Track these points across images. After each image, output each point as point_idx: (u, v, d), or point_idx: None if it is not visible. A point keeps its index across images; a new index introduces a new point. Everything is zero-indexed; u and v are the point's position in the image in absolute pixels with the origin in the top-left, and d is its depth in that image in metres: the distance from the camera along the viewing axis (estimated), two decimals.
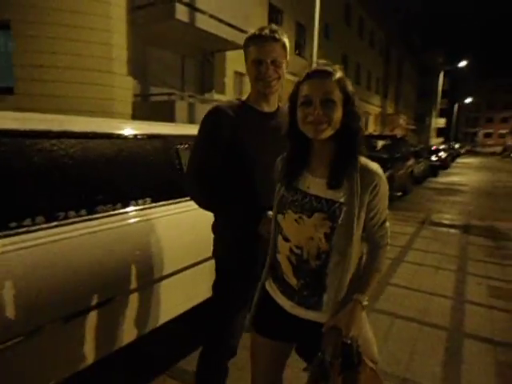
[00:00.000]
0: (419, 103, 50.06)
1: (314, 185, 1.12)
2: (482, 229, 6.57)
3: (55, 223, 1.57)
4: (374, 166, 1.13)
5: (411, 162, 10.85)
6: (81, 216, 1.67)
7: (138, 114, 8.95)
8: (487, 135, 73.42)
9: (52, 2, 7.89)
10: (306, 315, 1.16)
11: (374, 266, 1.16)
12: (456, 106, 45.80)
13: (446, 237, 5.92)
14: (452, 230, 6.38)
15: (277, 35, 1.41)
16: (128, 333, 1.85)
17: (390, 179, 8.39)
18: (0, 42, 8.22)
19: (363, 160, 1.13)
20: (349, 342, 1.06)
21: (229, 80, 12.27)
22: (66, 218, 1.62)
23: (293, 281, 1.16)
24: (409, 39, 39.49)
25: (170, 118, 8.18)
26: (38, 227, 1.50)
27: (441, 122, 53.61)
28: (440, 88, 32.40)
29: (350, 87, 1.08)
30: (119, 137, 2.00)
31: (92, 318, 1.64)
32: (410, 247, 5.25)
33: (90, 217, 1.70)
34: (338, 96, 1.06)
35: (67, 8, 7.96)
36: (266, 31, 1.40)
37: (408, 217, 7.34)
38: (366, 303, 1.12)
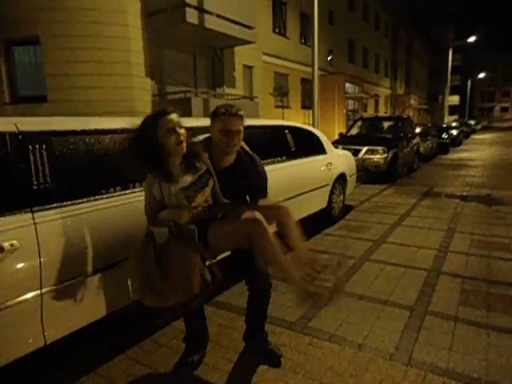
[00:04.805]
0: (431, 82, 49.52)
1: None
2: (479, 197, 7.12)
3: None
4: None
5: (417, 140, 11.34)
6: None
7: None
8: (504, 109, 71.86)
9: (75, 16, 8.73)
10: None
11: None
12: (469, 82, 45.13)
13: (443, 205, 6.51)
14: (451, 199, 6.96)
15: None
16: None
17: (395, 157, 8.98)
18: (32, 55, 9.09)
19: None
20: None
21: (238, 74, 12.95)
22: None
23: None
24: (416, 18, 39.06)
25: (186, 113, 8.94)
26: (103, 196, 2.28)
27: (454, 100, 52.91)
28: (450, 65, 32.14)
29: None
30: None
31: None
32: (409, 214, 5.88)
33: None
34: None
35: (89, 20, 8.79)
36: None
37: (411, 190, 7.93)
38: None
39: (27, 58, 9.22)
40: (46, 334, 1.94)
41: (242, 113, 1.99)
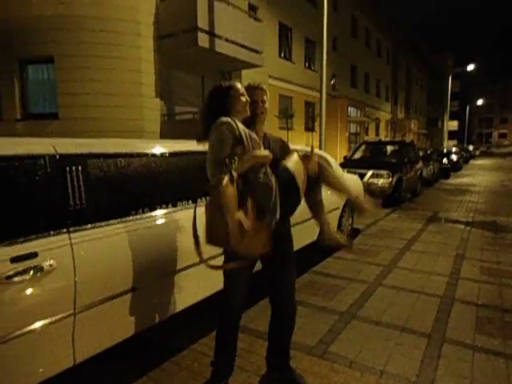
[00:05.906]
0: (431, 107, 50.33)
1: None
2: (484, 223, 7.18)
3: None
4: None
5: (420, 165, 11.48)
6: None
7: (165, 132, 9.90)
8: (502, 135, 72.79)
9: (89, 37, 8.95)
10: None
11: None
12: (467, 108, 45.89)
13: (449, 230, 6.57)
14: (456, 225, 7.01)
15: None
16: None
17: (399, 182, 9.08)
18: (45, 74, 9.28)
19: None
20: None
21: None
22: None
23: None
24: (416, 45, 40.07)
25: (195, 134, 9.06)
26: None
27: (453, 125, 53.64)
28: (449, 91, 32.78)
29: None
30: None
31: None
32: (417, 239, 5.93)
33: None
34: None
35: (102, 41, 9.02)
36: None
37: (416, 214, 8.00)
38: None
39: (40, 76, 9.41)
40: (75, 353, 1.96)
41: (263, 86, 2.21)
